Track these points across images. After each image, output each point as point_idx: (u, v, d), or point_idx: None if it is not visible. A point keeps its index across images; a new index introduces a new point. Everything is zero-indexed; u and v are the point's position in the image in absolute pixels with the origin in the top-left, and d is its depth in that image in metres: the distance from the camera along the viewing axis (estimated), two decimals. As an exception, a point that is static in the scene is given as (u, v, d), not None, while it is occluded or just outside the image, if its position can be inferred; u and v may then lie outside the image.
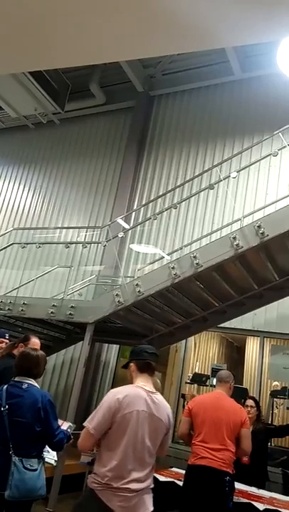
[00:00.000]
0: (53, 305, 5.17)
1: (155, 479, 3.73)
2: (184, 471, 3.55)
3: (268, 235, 4.06)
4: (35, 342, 3.31)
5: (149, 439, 2.26)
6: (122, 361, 7.08)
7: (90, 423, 2.20)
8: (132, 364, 2.46)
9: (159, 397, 2.39)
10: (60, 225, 8.85)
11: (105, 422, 2.20)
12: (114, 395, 2.26)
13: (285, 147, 4.91)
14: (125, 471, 2.18)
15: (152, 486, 2.32)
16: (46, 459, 2.77)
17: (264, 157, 5.42)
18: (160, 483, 3.72)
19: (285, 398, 6.20)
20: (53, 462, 2.89)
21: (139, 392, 2.31)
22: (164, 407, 2.38)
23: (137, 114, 8.88)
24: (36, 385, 2.73)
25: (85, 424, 2.25)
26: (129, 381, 2.44)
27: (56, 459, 2.87)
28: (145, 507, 2.22)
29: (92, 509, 2.18)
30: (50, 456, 2.84)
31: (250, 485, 3.84)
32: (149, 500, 2.26)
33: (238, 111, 7.78)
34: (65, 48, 1.39)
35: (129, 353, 2.60)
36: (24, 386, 2.66)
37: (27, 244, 6.72)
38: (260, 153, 5.89)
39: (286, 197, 5.33)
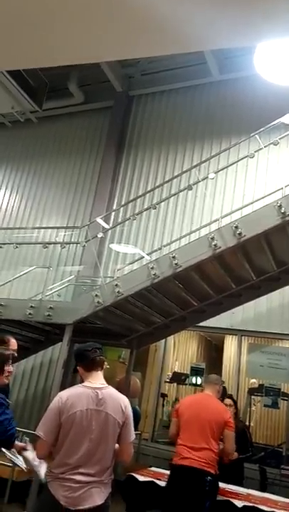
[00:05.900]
0: (31, 306, 5.10)
1: (134, 479, 3.77)
2: (163, 471, 3.57)
3: (245, 236, 4.12)
4: (14, 343, 3.31)
5: (98, 435, 2.30)
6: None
7: (40, 430, 2.31)
8: (78, 368, 2.52)
9: (107, 391, 2.41)
10: (38, 225, 8.73)
11: (53, 425, 2.30)
12: (59, 399, 2.36)
13: (261, 149, 4.99)
14: (70, 465, 2.24)
15: (106, 481, 2.31)
16: (17, 462, 2.77)
17: (241, 159, 5.49)
18: (139, 483, 3.72)
19: (262, 396, 6.30)
20: (23, 467, 2.84)
21: (84, 391, 2.37)
22: (114, 400, 2.39)
23: (115, 114, 8.85)
24: None
25: (36, 432, 2.33)
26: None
27: (25, 465, 2.82)
28: (92, 500, 2.22)
29: (46, 502, 2.30)
30: (19, 461, 2.80)
31: (228, 482, 3.88)
32: (98, 494, 2.25)
33: (216, 112, 7.86)
34: (43, 48, 1.38)
35: (74, 357, 2.63)
36: None
37: (4, 244, 6.60)
38: (237, 154, 5.97)
39: (262, 198, 5.42)
